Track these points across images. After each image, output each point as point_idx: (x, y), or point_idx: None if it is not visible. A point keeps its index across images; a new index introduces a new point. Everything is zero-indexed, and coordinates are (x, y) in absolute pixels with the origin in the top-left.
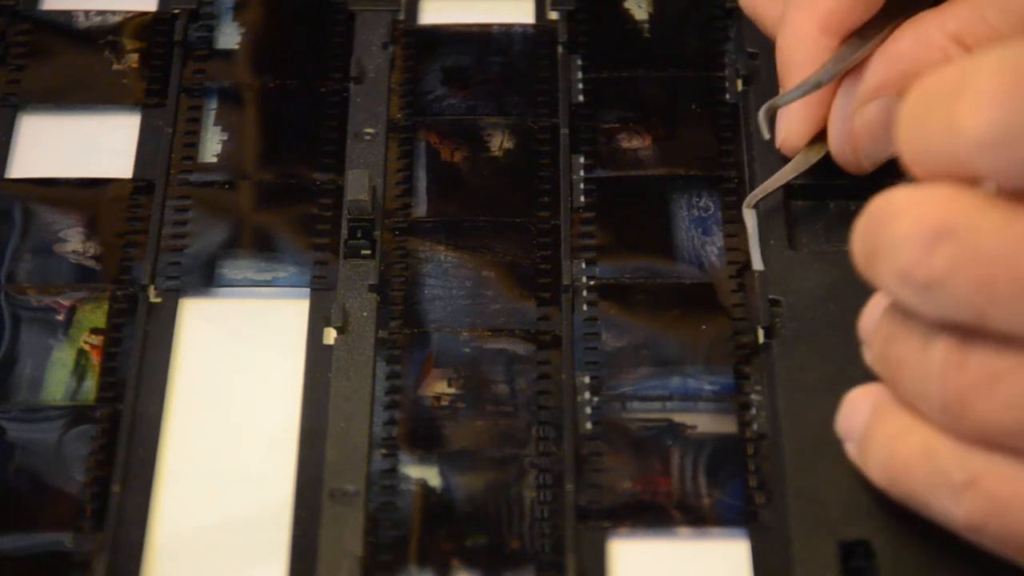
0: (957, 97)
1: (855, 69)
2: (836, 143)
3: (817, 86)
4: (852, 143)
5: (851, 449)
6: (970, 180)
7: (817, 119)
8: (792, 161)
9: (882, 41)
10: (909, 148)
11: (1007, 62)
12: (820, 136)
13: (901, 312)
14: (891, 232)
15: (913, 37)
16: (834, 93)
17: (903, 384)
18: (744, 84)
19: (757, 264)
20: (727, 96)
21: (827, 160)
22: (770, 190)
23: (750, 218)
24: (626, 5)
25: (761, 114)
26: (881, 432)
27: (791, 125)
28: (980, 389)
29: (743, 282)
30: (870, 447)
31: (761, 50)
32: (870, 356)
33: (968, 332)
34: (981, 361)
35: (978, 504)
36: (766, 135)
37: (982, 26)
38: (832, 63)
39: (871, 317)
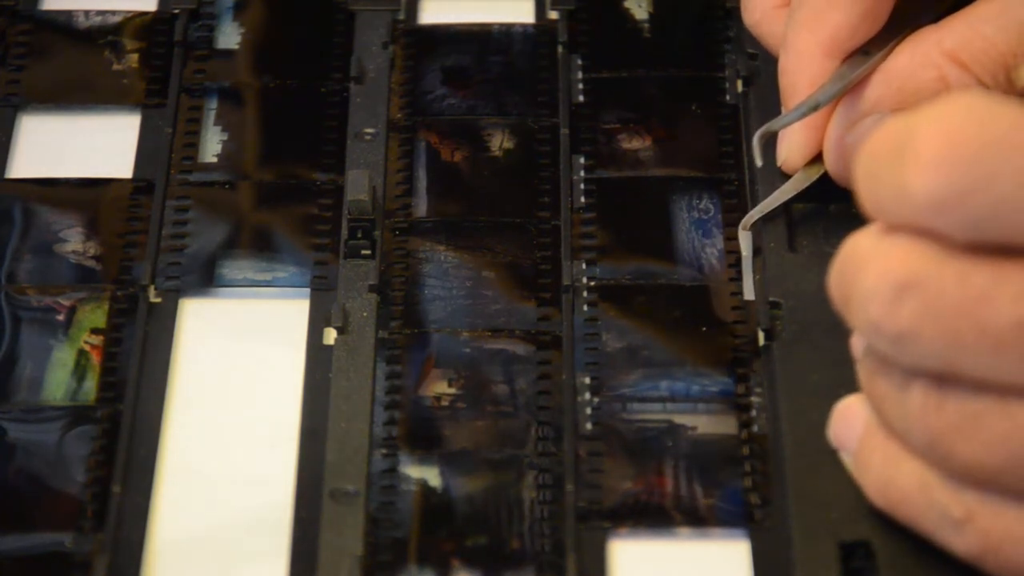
0: (902, 160)
1: (854, 88)
2: (832, 160)
3: (815, 108)
4: (846, 160)
5: (846, 459)
6: (928, 231)
7: (818, 139)
8: (791, 180)
9: (882, 60)
10: (867, 205)
11: (946, 122)
12: (820, 155)
13: (874, 357)
14: (859, 285)
15: (910, 54)
16: (833, 112)
17: (888, 420)
18: (744, 85)
19: (748, 294)
20: (727, 97)
21: (826, 178)
22: (767, 210)
23: (745, 241)
24: (626, 5)
25: (755, 139)
26: (876, 455)
27: (792, 145)
28: (961, 431)
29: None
30: (866, 468)
31: (761, 51)
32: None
33: (943, 376)
34: (958, 403)
35: (975, 540)
36: (759, 161)
37: (980, 42)
38: (830, 84)
39: (860, 341)
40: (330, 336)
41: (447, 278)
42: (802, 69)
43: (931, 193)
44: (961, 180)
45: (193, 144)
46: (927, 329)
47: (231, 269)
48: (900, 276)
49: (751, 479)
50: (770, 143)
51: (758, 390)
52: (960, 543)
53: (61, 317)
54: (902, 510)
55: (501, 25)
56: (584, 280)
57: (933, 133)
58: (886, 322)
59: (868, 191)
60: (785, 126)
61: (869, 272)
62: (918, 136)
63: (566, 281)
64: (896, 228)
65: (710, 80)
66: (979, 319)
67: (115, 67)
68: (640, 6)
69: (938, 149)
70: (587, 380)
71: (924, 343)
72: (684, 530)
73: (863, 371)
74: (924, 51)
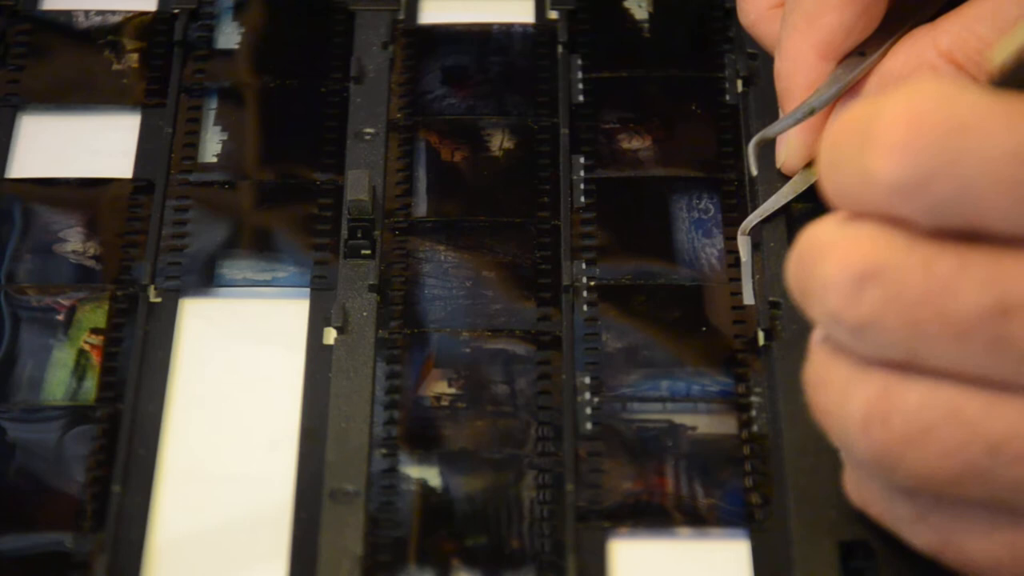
0: (865, 145)
1: (851, 89)
2: None
3: (810, 113)
4: None
5: (845, 459)
6: (892, 218)
7: (817, 141)
8: (790, 182)
9: (878, 61)
10: (831, 192)
11: (909, 107)
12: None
13: (821, 355)
14: (818, 274)
15: (906, 55)
16: (831, 113)
17: (832, 434)
18: (744, 85)
19: (748, 299)
20: (727, 97)
21: None
22: (766, 214)
23: (744, 246)
24: (626, 5)
25: (751, 146)
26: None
27: (791, 147)
28: (911, 443)
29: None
30: (846, 473)
31: (761, 51)
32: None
33: (891, 377)
34: (907, 414)
35: (931, 537)
36: (754, 170)
37: (974, 41)
38: (825, 87)
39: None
40: (330, 336)
41: (447, 278)
42: (797, 72)
43: (895, 178)
44: (925, 164)
45: (193, 144)
46: (888, 318)
47: (231, 269)
48: (862, 264)
49: (751, 479)
50: (767, 147)
51: (758, 390)
52: (917, 541)
53: (61, 317)
54: (870, 510)
55: (501, 25)
56: (584, 280)
57: (897, 118)
58: (846, 312)
59: (831, 179)
60: (780, 132)
61: (830, 261)
62: (881, 121)
63: (566, 281)
64: (859, 216)
65: (710, 80)
66: (942, 308)
67: (115, 67)
68: (640, 6)
69: (902, 134)
70: (587, 380)
71: (885, 332)
72: (684, 530)
73: (808, 387)
74: (919, 51)
